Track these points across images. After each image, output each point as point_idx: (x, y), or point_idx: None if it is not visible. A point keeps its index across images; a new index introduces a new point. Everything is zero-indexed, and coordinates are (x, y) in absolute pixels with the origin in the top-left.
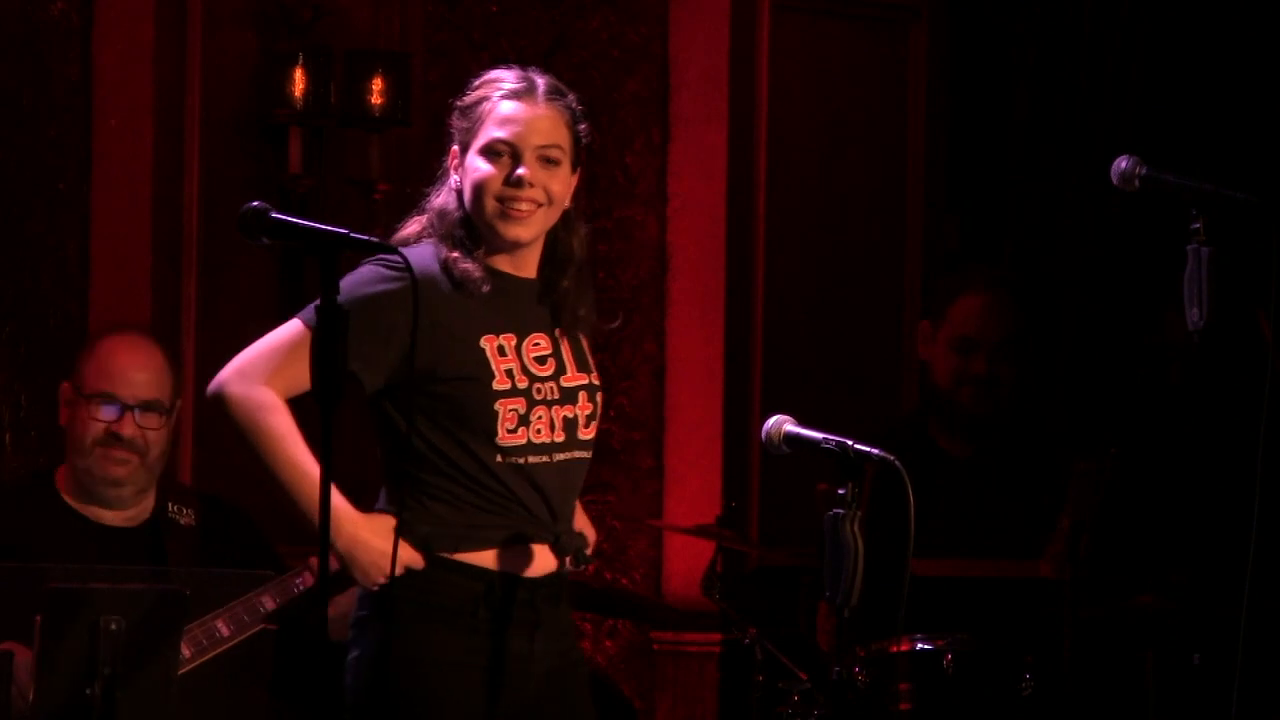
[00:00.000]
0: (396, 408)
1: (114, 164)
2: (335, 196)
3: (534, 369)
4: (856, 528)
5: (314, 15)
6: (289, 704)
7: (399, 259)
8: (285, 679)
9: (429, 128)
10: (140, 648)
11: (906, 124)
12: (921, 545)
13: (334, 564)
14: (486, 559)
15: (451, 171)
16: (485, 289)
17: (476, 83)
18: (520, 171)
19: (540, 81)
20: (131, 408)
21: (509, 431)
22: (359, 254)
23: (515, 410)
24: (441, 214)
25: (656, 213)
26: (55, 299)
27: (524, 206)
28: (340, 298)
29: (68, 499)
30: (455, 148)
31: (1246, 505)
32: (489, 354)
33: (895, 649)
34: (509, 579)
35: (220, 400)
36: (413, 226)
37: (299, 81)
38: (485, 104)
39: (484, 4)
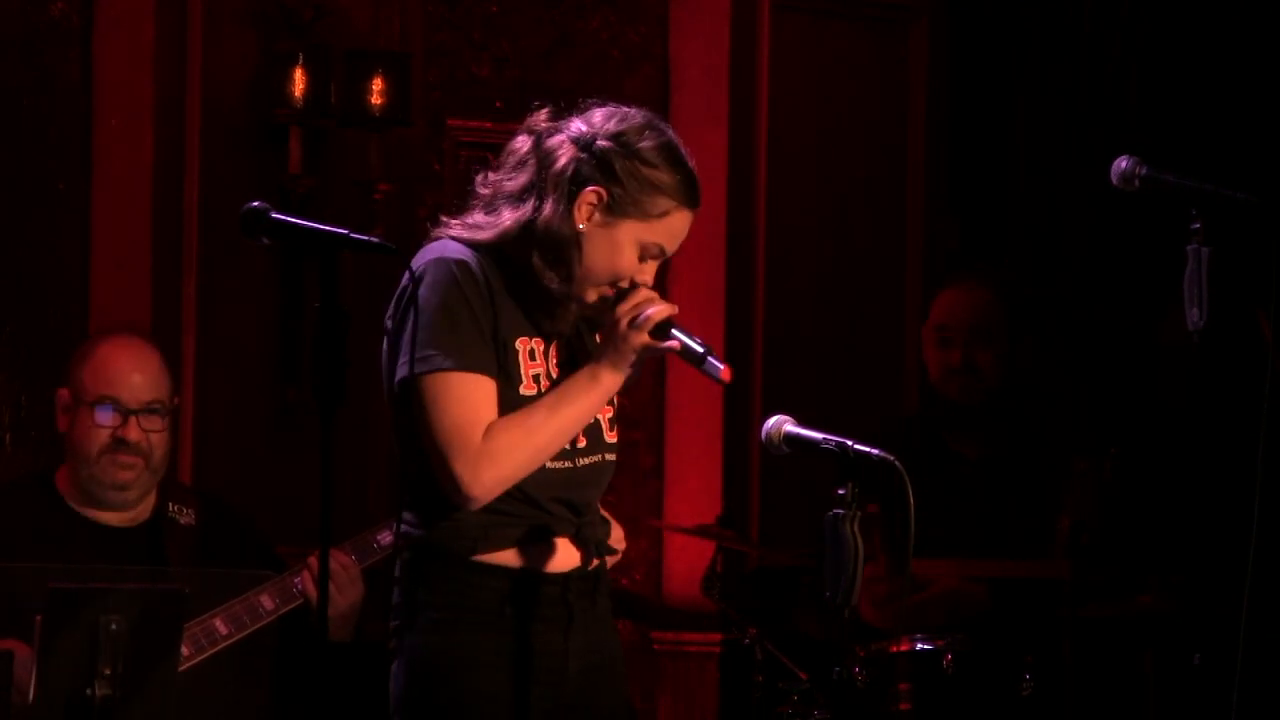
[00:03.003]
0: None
1: (114, 164)
2: (335, 196)
3: (557, 375)
4: (856, 528)
5: (314, 15)
6: (289, 704)
7: (451, 259)
8: (285, 679)
9: (429, 128)
10: (140, 647)
11: (906, 124)
12: (932, 545)
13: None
14: (507, 557)
15: (579, 206)
16: (529, 291)
17: (661, 144)
18: (647, 274)
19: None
20: (134, 411)
21: None
22: (359, 254)
23: None
24: (550, 234)
25: None
26: (55, 299)
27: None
28: (429, 301)
29: (68, 500)
30: (601, 191)
31: (1246, 505)
32: (521, 356)
33: (895, 649)
34: (533, 575)
35: (490, 484)
36: (487, 232)
37: (299, 81)
38: (669, 200)
39: (484, 4)
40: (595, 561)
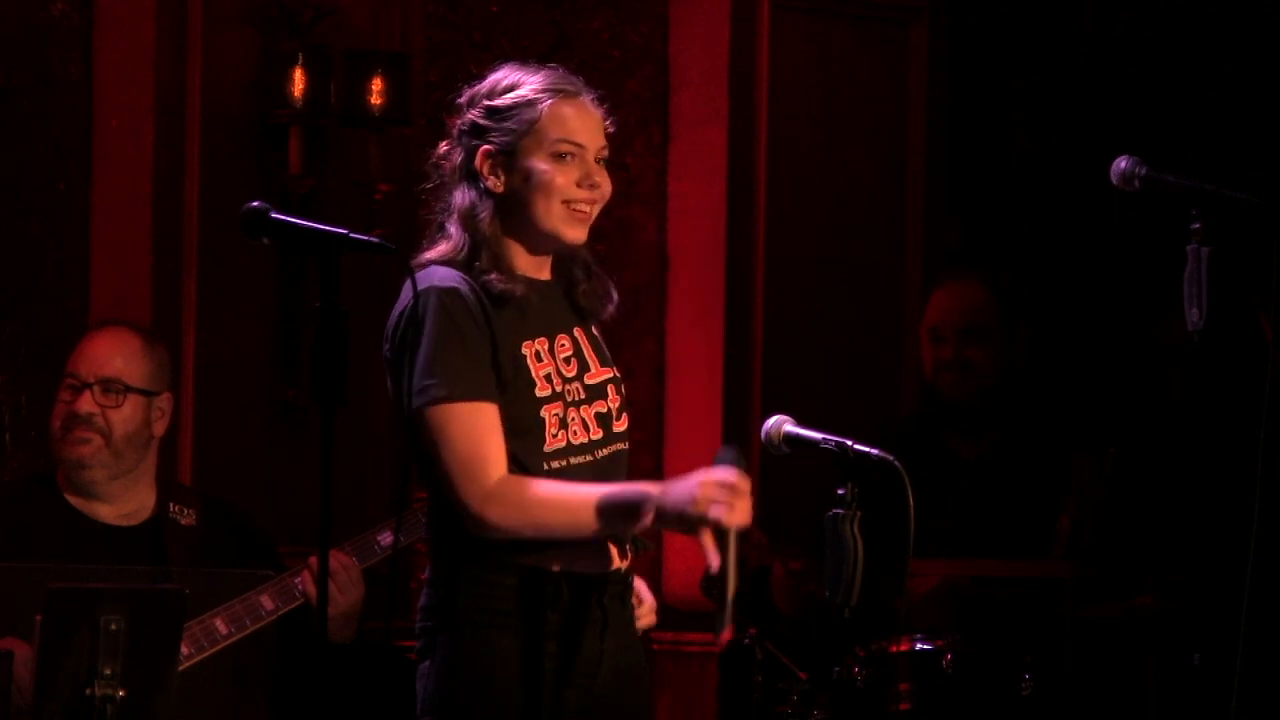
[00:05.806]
0: None
1: (114, 164)
2: (335, 196)
3: (564, 371)
4: (856, 528)
5: (314, 15)
6: (289, 704)
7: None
8: (285, 679)
9: (429, 128)
10: (141, 647)
11: (906, 124)
12: (931, 545)
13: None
14: (548, 561)
15: (485, 175)
16: (520, 294)
17: (507, 81)
18: (594, 174)
19: (580, 81)
20: (89, 384)
21: (552, 437)
22: (359, 254)
23: (557, 415)
24: (474, 219)
25: (657, 213)
26: (55, 299)
27: (588, 208)
28: (423, 332)
29: (69, 498)
30: (487, 147)
31: (1246, 505)
32: (529, 361)
33: (895, 649)
34: (573, 579)
35: (492, 529)
36: (443, 246)
37: (299, 81)
38: (538, 105)
39: (484, 4)
40: (629, 559)
